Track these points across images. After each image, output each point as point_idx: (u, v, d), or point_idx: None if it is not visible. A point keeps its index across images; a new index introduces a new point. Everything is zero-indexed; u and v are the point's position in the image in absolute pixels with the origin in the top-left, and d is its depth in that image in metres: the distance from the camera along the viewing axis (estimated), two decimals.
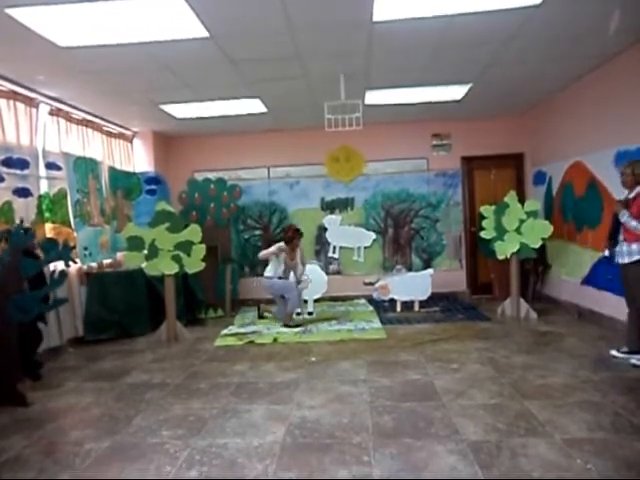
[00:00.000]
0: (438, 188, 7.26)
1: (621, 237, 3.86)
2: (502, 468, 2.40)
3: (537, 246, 5.54)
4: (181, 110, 5.88)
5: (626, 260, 3.81)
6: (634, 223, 3.69)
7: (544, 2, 3.38)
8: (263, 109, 5.99)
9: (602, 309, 5.10)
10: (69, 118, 5.41)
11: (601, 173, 5.02)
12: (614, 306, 4.66)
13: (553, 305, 6.21)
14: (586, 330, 4.95)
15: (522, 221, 5.56)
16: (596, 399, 3.20)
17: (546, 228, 5.48)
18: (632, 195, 3.84)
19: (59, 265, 4.42)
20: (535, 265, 6.41)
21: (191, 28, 3.53)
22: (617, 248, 3.91)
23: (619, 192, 4.63)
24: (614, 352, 4.02)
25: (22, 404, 3.54)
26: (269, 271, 5.86)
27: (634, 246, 3.74)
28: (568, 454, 2.51)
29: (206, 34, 3.65)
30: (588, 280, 5.41)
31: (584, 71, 5.11)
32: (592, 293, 5.33)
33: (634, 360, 3.80)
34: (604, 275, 5.02)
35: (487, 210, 5.82)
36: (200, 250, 5.34)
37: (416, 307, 6.20)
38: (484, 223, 5.83)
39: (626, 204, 3.83)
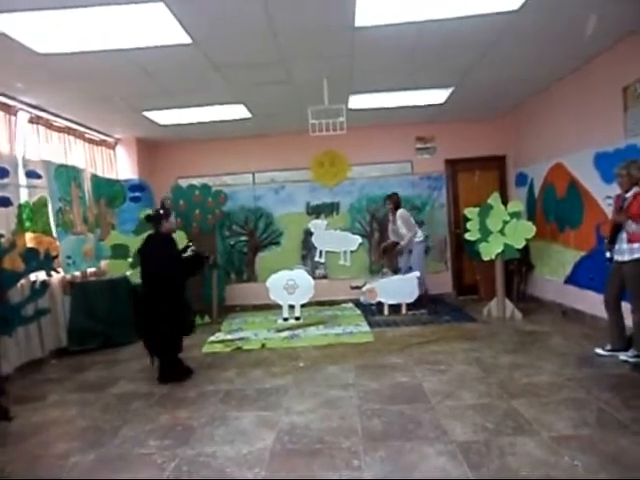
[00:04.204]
0: (423, 191, 7.32)
1: (623, 236, 3.80)
2: (491, 467, 2.42)
3: (521, 247, 5.61)
4: (165, 116, 5.84)
5: (626, 258, 3.79)
6: None
7: (522, 7, 3.44)
8: (247, 115, 5.99)
9: (585, 308, 5.19)
10: (49, 126, 5.34)
11: (581, 174, 5.12)
12: (596, 304, 4.72)
13: (537, 304, 6.29)
14: (570, 328, 5.03)
15: (506, 222, 5.63)
16: (581, 396, 3.25)
17: (529, 229, 5.56)
18: (629, 195, 3.79)
19: (40, 275, 4.35)
20: (519, 265, 6.49)
21: (173, 34, 3.51)
22: (616, 246, 3.86)
23: (599, 192, 4.74)
24: (599, 350, 4.07)
25: (4, 418, 3.46)
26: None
27: (635, 245, 3.72)
28: (555, 451, 2.54)
29: (189, 40, 3.64)
30: (570, 279, 5.50)
31: (563, 74, 5.22)
32: (575, 292, 5.41)
33: (623, 356, 3.87)
34: (586, 274, 5.12)
35: (471, 212, 5.88)
36: None
37: (403, 310, 6.22)
38: (468, 225, 5.89)
39: (622, 209, 3.79)
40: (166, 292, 4.04)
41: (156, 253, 4.04)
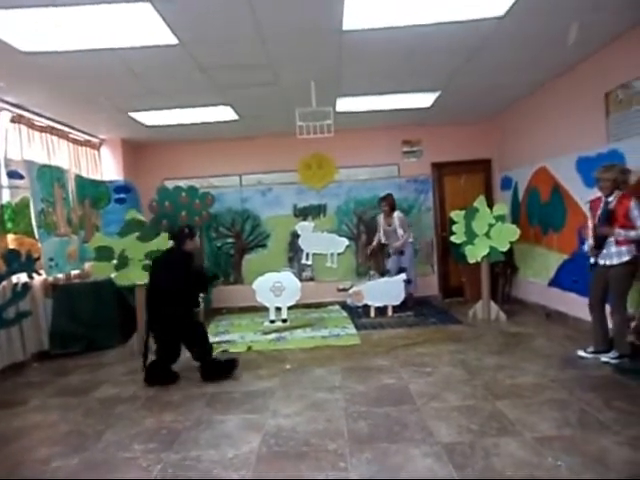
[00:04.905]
0: (409, 194, 7.36)
1: (611, 240, 3.81)
2: (476, 468, 2.44)
3: (505, 249, 5.68)
4: (151, 117, 5.78)
5: (615, 261, 3.81)
6: (633, 233, 3.66)
7: (507, 14, 3.50)
8: (234, 116, 5.97)
9: (568, 310, 5.27)
10: (32, 125, 5.25)
11: (564, 178, 5.20)
12: (579, 307, 4.81)
13: (521, 307, 6.36)
14: (553, 330, 5.10)
15: (491, 225, 5.69)
16: (564, 397, 3.29)
17: (513, 232, 5.63)
18: (611, 200, 3.81)
19: (22, 277, 4.27)
20: (504, 268, 6.57)
21: (159, 34, 3.48)
22: (604, 251, 3.87)
23: (581, 196, 4.82)
24: (581, 352, 4.13)
25: None
26: None
27: (624, 248, 3.76)
28: (538, 452, 2.57)
29: (175, 41, 3.61)
30: (554, 282, 5.58)
31: (547, 79, 5.31)
32: (558, 294, 5.49)
33: (604, 358, 3.93)
34: (569, 277, 5.20)
35: (457, 215, 5.93)
36: None
37: (389, 312, 6.25)
38: (454, 228, 5.94)
39: (608, 215, 3.78)
40: (174, 303, 4.09)
41: (174, 268, 4.13)
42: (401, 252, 6.48)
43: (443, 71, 4.81)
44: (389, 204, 6.52)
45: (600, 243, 3.88)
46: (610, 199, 3.84)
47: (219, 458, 2.72)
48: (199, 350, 4.21)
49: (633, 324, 3.92)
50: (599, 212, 3.93)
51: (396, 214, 6.49)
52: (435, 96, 5.67)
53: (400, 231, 6.40)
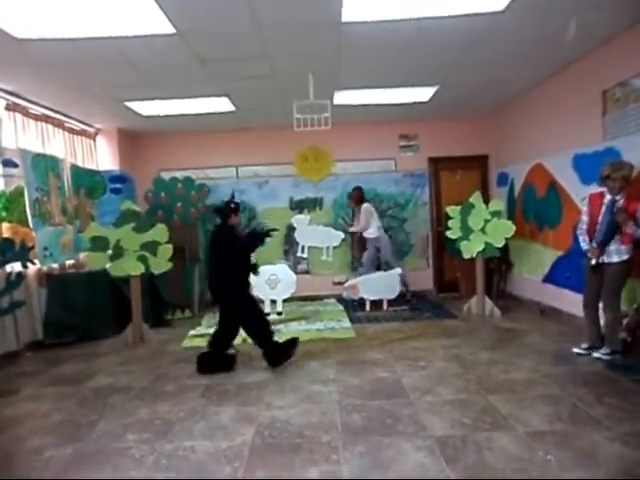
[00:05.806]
0: (406, 188, 7.36)
1: (617, 238, 3.79)
2: (468, 462, 2.46)
3: (500, 245, 5.70)
4: (147, 107, 5.74)
5: (614, 259, 3.81)
6: None
7: (507, 8, 3.48)
8: (231, 108, 5.93)
9: (562, 306, 5.30)
10: (26, 113, 5.19)
11: (560, 175, 5.21)
12: (573, 303, 4.84)
13: (516, 302, 6.40)
14: (547, 326, 5.13)
15: (487, 221, 5.70)
16: (556, 392, 3.32)
17: (509, 228, 5.64)
18: (619, 198, 3.79)
19: (16, 267, 4.25)
20: (499, 264, 6.59)
21: (157, 23, 3.45)
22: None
23: (577, 193, 4.84)
24: (576, 350, 4.13)
25: None
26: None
27: (624, 247, 3.77)
28: (530, 446, 2.59)
29: (172, 30, 3.58)
30: (548, 278, 5.61)
31: (545, 76, 5.30)
32: (552, 290, 5.52)
33: (596, 354, 3.95)
34: (563, 273, 5.22)
35: (453, 210, 5.94)
36: (167, 250, 5.22)
37: (385, 306, 6.27)
38: (450, 223, 5.95)
39: (625, 211, 3.73)
40: (226, 278, 4.12)
41: (230, 246, 4.12)
42: (377, 249, 6.53)
43: (442, 65, 4.78)
44: (354, 199, 6.60)
45: (608, 239, 3.81)
46: (618, 197, 3.82)
47: (213, 449, 2.72)
48: (254, 333, 4.20)
49: (625, 321, 3.94)
50: (604, 209, 3.89)
51: (363, 206, 6.52)
52: (433, 90, 5.65)
53: (360, 220, 6.48)
